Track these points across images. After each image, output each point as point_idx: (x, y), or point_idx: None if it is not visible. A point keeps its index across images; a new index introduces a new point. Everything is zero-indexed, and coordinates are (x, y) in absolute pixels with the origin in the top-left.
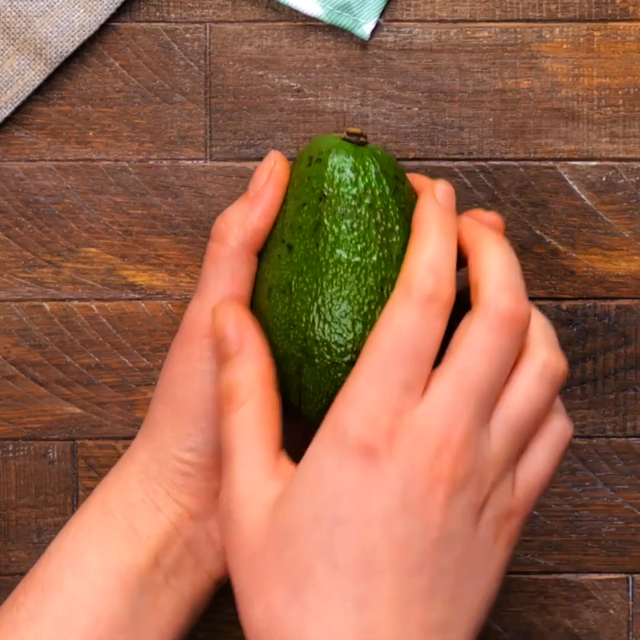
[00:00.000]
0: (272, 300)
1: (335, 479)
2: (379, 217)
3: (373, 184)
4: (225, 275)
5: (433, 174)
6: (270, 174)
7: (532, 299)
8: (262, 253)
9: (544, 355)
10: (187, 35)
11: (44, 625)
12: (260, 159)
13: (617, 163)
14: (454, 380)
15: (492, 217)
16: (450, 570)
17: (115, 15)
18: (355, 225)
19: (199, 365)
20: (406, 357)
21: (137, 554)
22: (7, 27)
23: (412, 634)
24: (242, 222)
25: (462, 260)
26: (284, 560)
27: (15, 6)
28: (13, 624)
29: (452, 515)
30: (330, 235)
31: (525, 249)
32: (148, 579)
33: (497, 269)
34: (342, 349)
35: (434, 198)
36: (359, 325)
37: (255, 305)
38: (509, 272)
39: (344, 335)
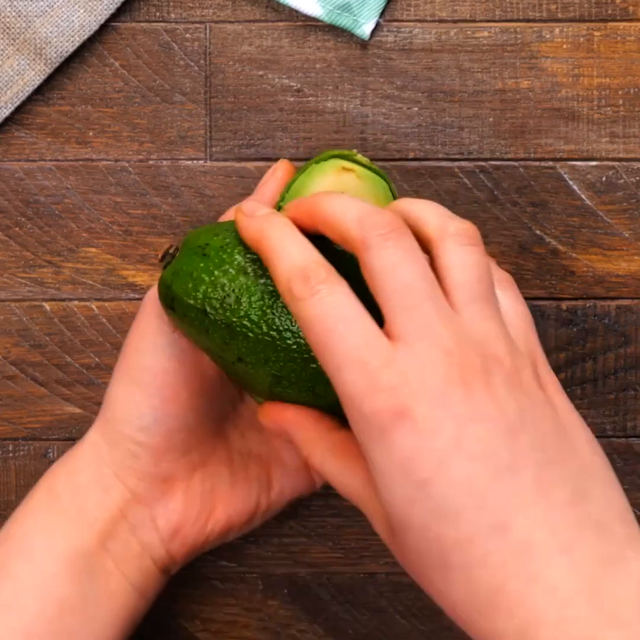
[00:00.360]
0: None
1: (390, 457)
2: (239, 265)
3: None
4: None
5: (433, 173)
6: (274, 173)
7: (532, 298)
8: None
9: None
10: (187, 35)
11: None
12: (261, 159)
13: (617, 163)
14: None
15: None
16: (542, 445)
17: (115, 15)
18: (235, 290)
19: (153, 339)
20: (339, 339)
21: (84, 538)
22: (7, 27)
23: (557, 518)
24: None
25: None
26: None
27: (15, 6)
28: None
29: (502, 399)
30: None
31: (525, 249)
32: (96, 563)
33: (430, 208)
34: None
35: (242, 213)
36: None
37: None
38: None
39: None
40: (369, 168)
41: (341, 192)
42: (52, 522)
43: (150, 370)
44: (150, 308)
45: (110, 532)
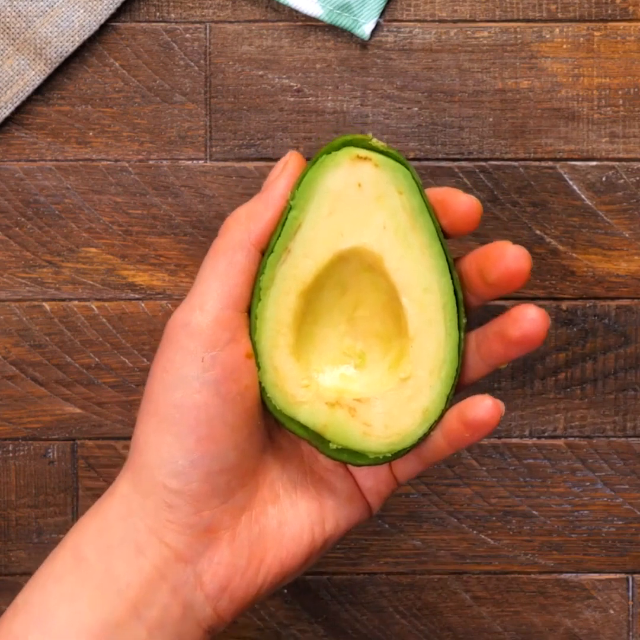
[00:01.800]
0: None
1: None
2: None
3: None
4: (221, 267)
5: (433, 173)
6: (285, 168)
7: (532, 298)
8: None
9: None
10: (187, 35)
11: None
12: (260, 159)
13: (617, 163)
14: None
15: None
16: None
17: (115, 15)
18: None
19: (181, 371)
20: None
21: (114, 607)
22: (7, 27)
23: None
24: (251, 213)
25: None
26: None
27: (15, 6)
28: None
29: None
30: None
31: (525, 249)
32: (127, 634)
33: None
34: None
35: None
36: None
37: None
38: None
39: None
40: (387, 154)
41: (357, 184)
42: (77, 589)
43: (180, 406)
44: (173, 336)
45: (145, 598)
